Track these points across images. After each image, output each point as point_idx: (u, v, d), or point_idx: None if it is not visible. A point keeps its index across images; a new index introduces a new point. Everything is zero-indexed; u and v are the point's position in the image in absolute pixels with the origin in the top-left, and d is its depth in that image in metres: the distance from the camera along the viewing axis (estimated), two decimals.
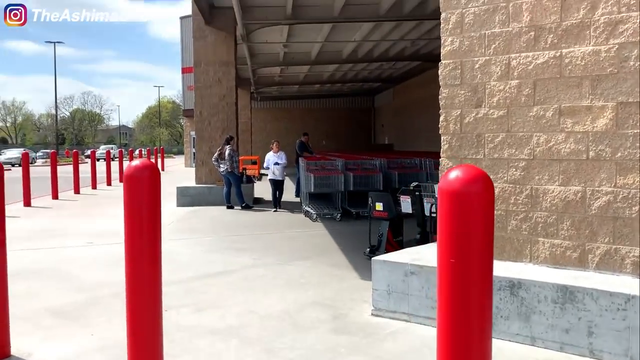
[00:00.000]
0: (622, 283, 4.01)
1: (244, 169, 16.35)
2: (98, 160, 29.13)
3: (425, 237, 7.07)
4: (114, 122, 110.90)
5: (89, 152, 26.76)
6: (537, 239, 4.59)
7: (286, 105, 37.39)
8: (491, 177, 3.84)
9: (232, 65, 14.62)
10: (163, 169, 35.12)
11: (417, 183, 7.58)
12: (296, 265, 7.22)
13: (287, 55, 20.67)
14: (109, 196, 17.16)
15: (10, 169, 34.65)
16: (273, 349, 4.30)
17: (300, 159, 14.10)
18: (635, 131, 4.09)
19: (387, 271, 5.00)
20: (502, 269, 4.46)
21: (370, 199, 7.65)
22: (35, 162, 46.12)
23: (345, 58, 21.27)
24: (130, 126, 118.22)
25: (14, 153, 45.70)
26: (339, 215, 11.40)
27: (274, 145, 13.62)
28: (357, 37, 17.74)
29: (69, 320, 5.08)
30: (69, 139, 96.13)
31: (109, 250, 8.18)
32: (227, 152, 13.23)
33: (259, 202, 14.50)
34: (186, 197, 14.11)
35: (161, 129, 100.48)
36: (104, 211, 13.25)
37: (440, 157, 5.16)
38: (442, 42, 5.02)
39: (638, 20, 4.06)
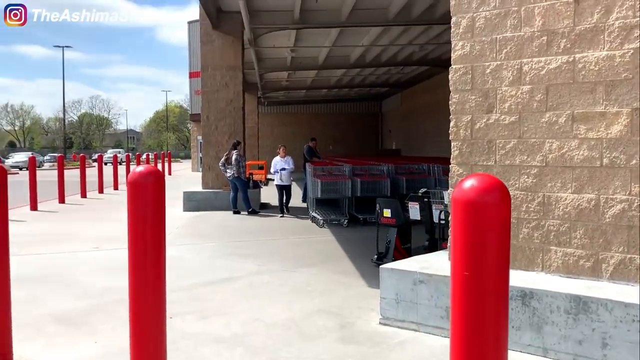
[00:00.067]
0: (637, 294, 3.90)
1: (251, 174, 16.29)
2: (105, 164, 29.21)
3: (434, 245, 6.98)
4: (121, 126, 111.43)
5: (96, 156, 26.80)
6: (549, 248, 4.49)
7: (293, 110, 37.38)
8: None
9: (240, 69, 14.58)
10: (170, 174, 35.17)
11: (425, 189, 7.49)
12: (302, 272, 7.14)
13: (294, 60, 20.64)
14: (116, 200, 17.13)
15: (18, 173, 34.83)
16: (279, 359, 4.22)
17: (307, 164, 14.03)
18: None
19: (395, 279, 4.91)
20: (513, 278, 4.32)
21: (378, 205, 7.56)
22: (42, 165, 46.35)
23: (352, 63, 21.22)
24: (137, 130, 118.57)
25: (21, 157, 45.85)
26: (346, 221, 11.31)
27: (281, 150, 13.55)
28: (365, 42, 17.70)
29: (73, 327, 5.02)
30: (77, 142, 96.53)
31: (114, 256, 8.12)
32: (234, 157, 13.17)
33: (265, 207, 14.43)
34: (193, 202, 14.05)
35: (168, 134, 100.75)
36: (110, 216, 13.21)
37: (449, 163, 5.08)
38: (452, 46, 4.94)
39: None
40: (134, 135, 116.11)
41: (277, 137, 31.87)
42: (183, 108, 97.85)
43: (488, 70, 4.74)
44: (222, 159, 13.44)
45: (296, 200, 14.47)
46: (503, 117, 4.68)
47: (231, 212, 13.29)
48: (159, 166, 33.70)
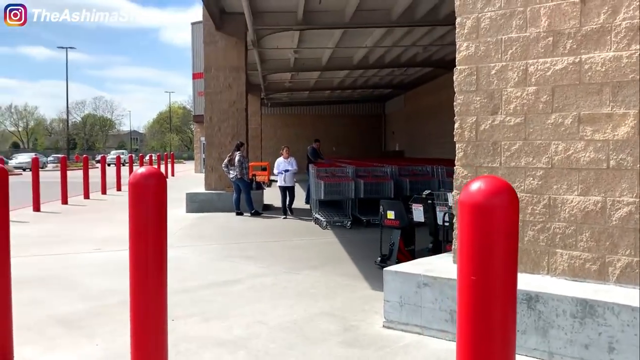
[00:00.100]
0: None
1: (254, 175, 16.26)
2: (109, 165, 29.22)
3: (438, 247, 6.92)
4: (125, 128, 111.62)
5: (99, 157, 26.80)
6: (555, 251, 4.44)
7: (296, 111, 37.36)
8: None
9: (243, 70, 14.55)
10: (173, 175, 35.19)
11: (429, 191, 7.44)
12: (305, 274, 7.09)
13: (297, 61, 20.60)
14: (119, 202, 17.11)
15: (21, 174, 34.89)
16: None
17: (310, 165, 13.99)
18: None
19: (399, 282, 4.87)
20: (518, 281, 4.29)
21: (381, 207, 7.52)
22: (46, 166, 46.41)
23: (356, 64, 21.17)
24: (141, 131, 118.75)
25: (25, 157, 45.90)
26: (349, 223, 11.26)
27: (284, 151, 13.51)
28: (368, 43, 17.64)
29: (74, 330, 4.98)
30: (80, 144, 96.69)
31: (116, 257, 8.08)
32: (236, 159, 13.14)
33: (268, 208, 14.40)
34: (195, 203, 14.03)
35: (172, 135, 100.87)
36: (112, 217, 13.19)
37: (453, 165, 5.03)
38: (457, 47, 4.90)
39: None
40: (137, 136, 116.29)
41: (280, 139, 31.82)
42: (186, 109, 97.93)
43: (493, 71, 4.70)
44: (225, 160, 13.41)
45: (299, 201, 14.43)
46: (508, 118, 4.63)
47: (234, 214, 13.26)
48: (162, 167, 33.73)
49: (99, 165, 22.42)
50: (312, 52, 19.23)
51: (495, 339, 2.01)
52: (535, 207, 4.51)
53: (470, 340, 2.04)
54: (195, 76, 36.84)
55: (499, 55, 4.67)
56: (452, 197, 5.44)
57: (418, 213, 7.22)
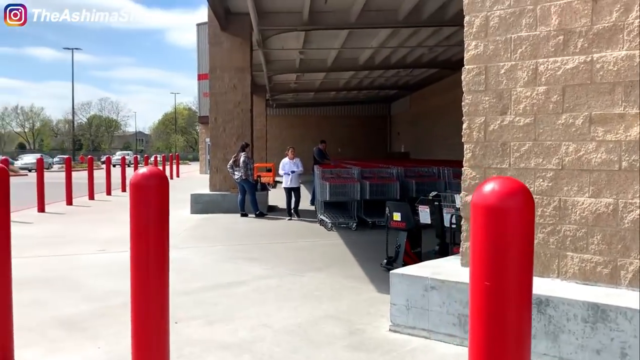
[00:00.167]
0: None
1: (259, 176, 16.19)
2: (114, 166, 29.20)
3: (444, 249, 6.84)
4: (130, 129, 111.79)
5: (104, 158, 26.82)
6: (565, 254, 4.35)
7: (301, 112, 37.32)
8: None
9: (248, 71, 14.50)
10: (178, 176, 35.18)
11: (436, 192, 7.36)
12: (310, 276, 7.02)
13: (303, 62, 20.54)
14: (123, 203, 17.03)
15: (27, 174, 34.94)
16: None
17: (315, 166, 13.91)
18: None
19: (406, 285, 4.79)
20: None
21: (387, 208, 7.43)
22: (51, 167, 46.51)
23: (362, 65, 21.10)
24: (146, 132, 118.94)
25: (30, 158, 45.96)
26: (355, 224, 11.18)
27: (290, 151, 13.42)
28: (374, 44, 17.57)
29: (76, 331, 4.92)
30: (86, 144, 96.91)
31: (120, 258, 8.01)
32: (241, 159, 13.08)
33: (273, 210, 14.33)
34: (200, 204, 13.98)
35: (177, 136, 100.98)
36: (117, 218, 13.14)
37: (459, 166, 4.96)
38: (465, 46, 4.81)
39: None
40: (143, 137, 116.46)
41: (285, 140, 31.76)
42: (192, 110, 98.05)
43: (502, 71, 4.61)
44: (230, 161, 13.36)
45: (304, 202, 14.36)
46: (518, 118, 4.55)
47: (239, 215, 13.20)
48: (167, 168, 33.73)
49: (104, 166, 22.42)
50: (317, 52, 19.18)
51: (510, 347, 1.92)
52: (545, 209, 4.42)
53: (483, 349, 1.96)
54: (200, 77, 36.82)
55: (508, 55, 4.59)
56: (460, 199, 5.36)
57: (424, 215, 7.13)
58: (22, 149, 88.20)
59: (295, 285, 6.52)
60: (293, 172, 13.01)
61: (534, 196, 4.41)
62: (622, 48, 4.05)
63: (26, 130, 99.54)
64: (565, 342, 3.95)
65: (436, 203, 7.03)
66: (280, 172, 13.40)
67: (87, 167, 19.78)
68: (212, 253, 8.71)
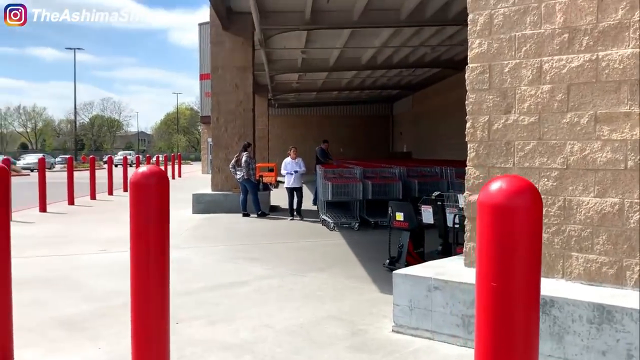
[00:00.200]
0: None
1: (261, 176, 16.15)
2: (116, 166, 29.21)
3: (447, 249, 6.79)
4: (132, 129, 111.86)
5: (106, 158, 26.81)
6: (570, 254, 4.30)
7: (303, 112, 37.28)
8: None
9: (250, 70, 14.45)
10: (180, 176, 35.16)
11: (439, 192, 7.31)
12: (312, 276, 6.98)
13: (305, 62, 20.50)
14: (125, 202, 16.92)
15: (29, 174, 34.96)
16: None
17: (317, 166, 13.87)
18: None
19: (409, 285, 4.74)
20: None
21: (390, 208, 7.39)
22: (53, 167, 46.52)
23: (364, 64, 21.06)
24: (148, 132, 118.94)
25: (32, 158, 45.97)
26: (357, 224, 11.14)
27: (292, 151, 13.37)
28: (376, 43, 17.53)
29: (76, 332, 4.89)
30: (88, 144, 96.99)
31: (122, 258, 7.98)
32: (243, 159, 13.04)
33: (275, 210, 14.29)
34: (202, 204, 13.94)
35: (179, 136, 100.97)
36: (118, 217, 13.09)
37: (462, 166, 4.91)
38: (469, 44, 4.77)
39: None
40: (145, 137, 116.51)
41: (287, 140, 31.71)
42: (194, 110, 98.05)
43: (506, 69, 4.57)
44: (232, 161, 13.32)
45: (306, 202, 14.31)
46: (522, 117, 4.50)
47: (240, 215, 13.16)
48: (169, 168, 33.71)
49: (106, 166, 22.41)
50: (319, 52, 19.14)
51: (517, 349, 1.88)
52: (549, 209, 4.38)
53: (490, 351, 1.91)
54: (202, 77, 36.83)
55: (513, 53, 4.54)
56: (463, 199, 5.31)
57: (427, 215, 7.09)
58: (25, 149, 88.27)
59: (297, 286, 6.48)
60: (296, 171, 12.96)
61: None
62: (628, 46, 4.01)
63: (28, 130, 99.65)
64: (570, 344, 3.91)
65: (439, 203, 6.98)
66: (283, 171, 13.35)
67: (89, 167, 19.76)
68: (214, 253, 8.68)
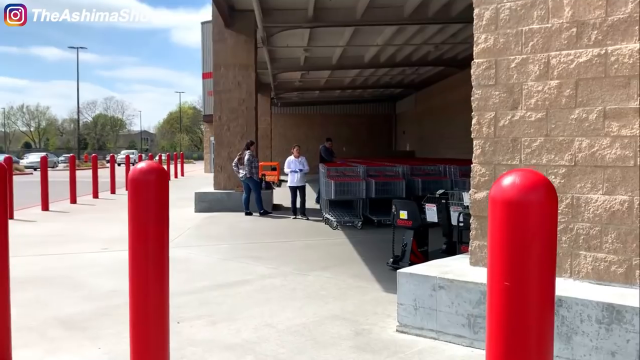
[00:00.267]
0: None
1: (264, 174, 16.08)
2: (119, 165, 29.19)
3: (452, 248, 6.71)
4: (135, 128, 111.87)
5: (109, 156, 26.78)
6: (578, 253, 4.22)
7: (306, 111, 37.22)
8: None
9: (252, 68, 14.37)
10: (183, 174, 35.10)
11: (443, 190, 7.23)
12: (315, 275, 6.90)
13: (307, 60, 20.41)
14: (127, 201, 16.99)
15: (32, 173, 34.96)
16: None
17: (320, 165, 13.80)
18: None
19: (413, 285, 4.67)
20: None
21: (394, 207, 7.31)
22: (57, 166, 46.54)
23: (367, 63, 20.95)
24: (151, 131, 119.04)
25: (36, 157, 45.92)
26: (360, 223, 11.06)
27: (295, 150, 13.29)
28: (379, 41, 17.43)
29: (77, 332, 4.82)
30: (91, 143, 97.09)
31: (123, 257, 7.86)
32: (246, 157, 12.98)
33: (278, 208, 14.22)
34: (204, 203, 13.88)
35: (182, 135, 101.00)
36: (120, 216, 13.03)
37: (465, 165, 4.83)
38: (475, 39, 4.68)
39: None
40: (148, 136, 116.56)
41: (290, 138, 31.63)
42: (196, 109, 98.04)
43: (513, 65, 4.49)
44: (235, 160, 13.26)
45: (309, 201, 14.25)
46: (529, 113, 4.42)
47: (243, 214, 13.09)
48: (172, 167, 33.66)
49: (108, 164, 22.37)
50: (322, 50, 19.05)
51: (531, 351, 1.80)
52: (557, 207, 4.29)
53: (502, 353, 1.83)
54: (205, 76, 36.75)
55: (519, 48, 4.46)
56: (469, 197, 5.23)
57: (431, 213, 7.01)
58: (28, 148, 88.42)
59: (300, 285, 6.41)
60: (300, 170, 12.88)
61: None
62: (638, 40, 3.92)
63: (32, 129, 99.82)
64: (578, 344, 3.83)
65: (443, 201, 6.91)
66: (286, 170, 13.27)
67: (91, 165, 19.72)
68: (216, 252, 8.61)
